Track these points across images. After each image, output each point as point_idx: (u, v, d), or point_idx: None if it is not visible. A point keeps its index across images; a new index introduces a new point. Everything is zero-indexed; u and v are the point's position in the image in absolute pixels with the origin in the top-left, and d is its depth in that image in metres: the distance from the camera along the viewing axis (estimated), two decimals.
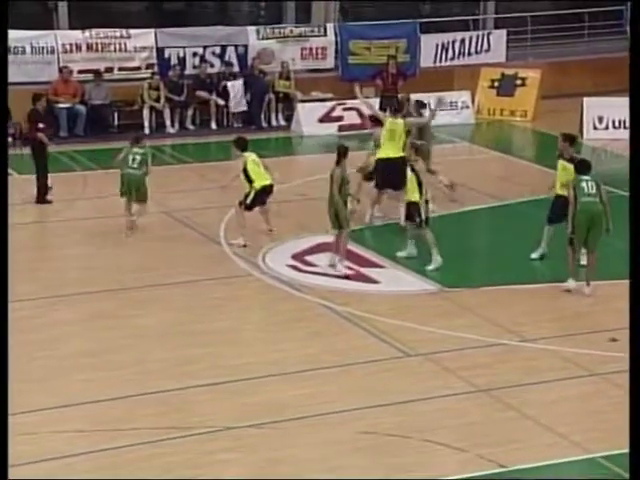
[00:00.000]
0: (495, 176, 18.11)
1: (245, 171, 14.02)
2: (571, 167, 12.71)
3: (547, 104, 21.71)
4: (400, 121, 14.32)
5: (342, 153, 12.87)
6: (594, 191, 12.30)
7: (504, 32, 23.55)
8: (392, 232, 14.52)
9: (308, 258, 13.65)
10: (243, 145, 14.18)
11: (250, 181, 14.04)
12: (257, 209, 14.30)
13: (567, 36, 23.98)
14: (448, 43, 23.12)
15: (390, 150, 14.13)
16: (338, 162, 12.85)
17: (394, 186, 14.10)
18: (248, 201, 14.06)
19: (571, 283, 12.44)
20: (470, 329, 11.33)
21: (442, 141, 19.71)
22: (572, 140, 13.19)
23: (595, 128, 20.50)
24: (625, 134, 20.20)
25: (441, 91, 21.68)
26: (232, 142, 14.47)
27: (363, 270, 13.23)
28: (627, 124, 20.44)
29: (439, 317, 11.73)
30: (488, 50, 23.32)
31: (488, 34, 23.56)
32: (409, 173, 12.97)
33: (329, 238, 14.22)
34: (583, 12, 23.92)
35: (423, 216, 12.86)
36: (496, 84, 22.33)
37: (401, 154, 13.86)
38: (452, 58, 23.18)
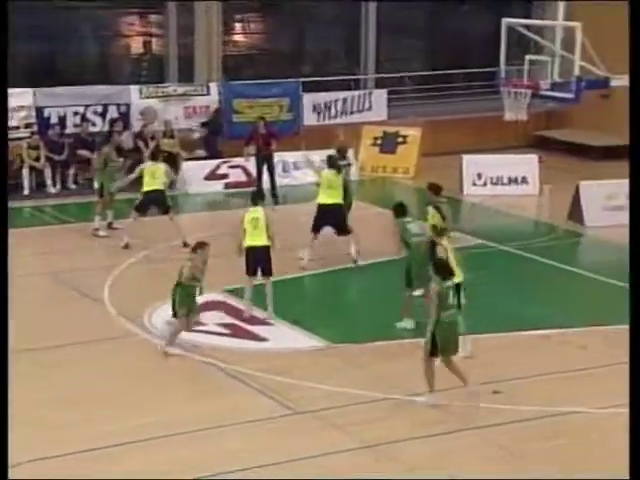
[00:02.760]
0: (379, 232, 18.38)
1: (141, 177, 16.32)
2: (437, 214, 13.46)
3: (428, 161, 22.26)
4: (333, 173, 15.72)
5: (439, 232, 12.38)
6: (420, 231, 13.06)
7: (384, 91, 24.08)
8: (283, 288, 14.59)
9: None
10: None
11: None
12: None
13: (445, 95, 24.68)
14: (331, 102, 23.50)
15: (327, 197, 15.46)
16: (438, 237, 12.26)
17: (332, 227, 15.56)
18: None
19: (406, 323, 12.92)
20: (358, 385, 11.42)
21: None
22: (437, 189, 13.86)
23: (474, 184, 21.10)
24: (503, 190, 20.90)
25: (325, 148, 22.19)
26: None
27: (251, 328, 13.25)
28: (504, 180, 21.13)
29: (327, 373, 11.80)
30: (370, 109, 23.80)
31: (369, 93, 24.08)
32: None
33: (217, 296, 14.19)
34: (459, 72, 24.73)
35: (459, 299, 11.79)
36: (378, 142, 22.82)
37: (338, 201, 15.52)
38: (335, 116, 23.57)
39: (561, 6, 18.37)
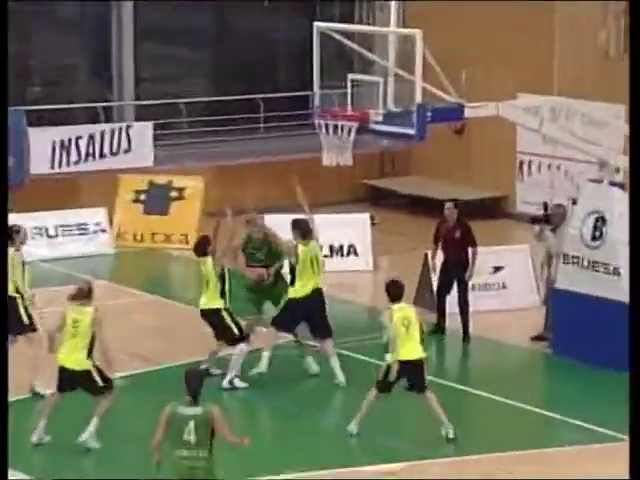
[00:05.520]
0: (150, 330, 17.95)
1: None
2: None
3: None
4: None
5: None
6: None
7: (149, 125, 24.05)
8: None
9: None
10: None
11: None
12: None
13: (238, 130, 25.04)
14: (70, 140, 23.43)
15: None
16: None
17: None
18: None
19: None
20: None
21: (63, 282, 19.22)
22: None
23: None
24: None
25: (63, 208, 21.68)
26: None
27: None
28: (325, 251, 21.09)
29: None
30: (129, 150, 23.81)
31: (127, 127, 24.02)
32: None
33: None
34: (258, 98, 25.04)
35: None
36: (142, 197, 22.55)
37: None
38: (77, 162, 23.44)
39: (393, 7, 18.64)
